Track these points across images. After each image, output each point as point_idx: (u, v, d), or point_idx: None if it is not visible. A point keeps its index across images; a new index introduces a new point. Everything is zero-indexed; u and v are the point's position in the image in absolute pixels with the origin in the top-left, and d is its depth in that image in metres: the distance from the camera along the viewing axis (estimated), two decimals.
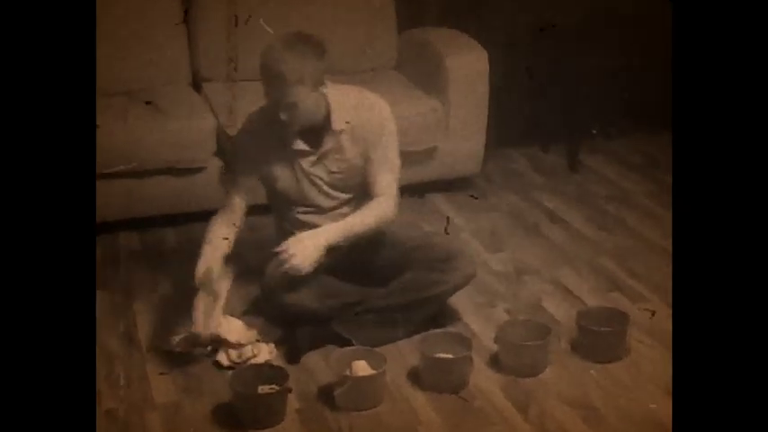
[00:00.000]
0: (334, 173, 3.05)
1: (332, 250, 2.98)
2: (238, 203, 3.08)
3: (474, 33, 4.24)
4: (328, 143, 3.02)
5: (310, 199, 3.08)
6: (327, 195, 3.09)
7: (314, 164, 3.04)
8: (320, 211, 3.09)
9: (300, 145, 3.02)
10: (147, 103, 3.88)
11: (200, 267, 2.96)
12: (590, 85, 4.49)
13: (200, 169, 3.84)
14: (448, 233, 3.44)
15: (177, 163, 3.79)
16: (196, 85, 4.17)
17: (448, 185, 4.24)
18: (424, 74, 4.17)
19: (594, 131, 4.73)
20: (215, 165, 3.85)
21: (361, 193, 3.08)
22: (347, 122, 2.99)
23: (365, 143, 3.02)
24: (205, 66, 4.18)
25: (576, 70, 4.50)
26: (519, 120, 4.62)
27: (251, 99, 3.85)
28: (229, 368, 2.93)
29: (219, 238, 3.03)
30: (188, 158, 3.80)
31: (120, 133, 3.68)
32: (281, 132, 2.99)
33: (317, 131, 3.01)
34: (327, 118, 2.99)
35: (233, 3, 4.11)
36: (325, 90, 2.93)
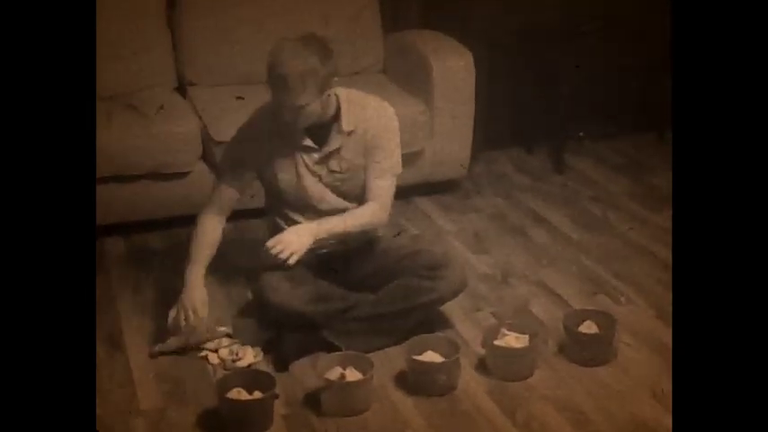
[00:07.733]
0: (334, 172, 3.03)
1: (325, 257, 3.00)
2: (229, 197, 3.08)
3: (458, 36, 4.24)
4: (335, 143, 3.00)
5: (307, 198, 3.05)
6: (323, 199, 3.06)
7: (317, 162, 3.02)
8: (317, 214, 3.07)
9: (307, 141, 3.01)
10: (131, 107, 3.86)
11: (189, 271, 3.03)
12: (574, 87, 4.49)
13: (185, 173, 3.82)
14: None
15: (162, 167, 3.77)
16: (181, 89, 4.15)
17: (434, 188, 4.23)
18: (410, 77, 4.17)
19: (581, 134, 4.74)
20: (201, 169, 3.83)
21: (357, 201, 3.09)
22: (357, 125, 3.00)
23: (368, 145, 3.02)
24: (190, 69, 4.16)
25: (560, 72, 4.50)
26: (504, 122, 4.63)
27: (237, 103, 3.91)
28: (220, 365, 2.98)
29: (209, 234, 3.06)
30: (173, 163, 3.78)
31: (104, 138, 3.64)
32: (287, 128, 2.97)
33: (325, 130, 3.00)
34: (337, 118, 2.98)
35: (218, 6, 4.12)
36: (334, 92, 2.93)
